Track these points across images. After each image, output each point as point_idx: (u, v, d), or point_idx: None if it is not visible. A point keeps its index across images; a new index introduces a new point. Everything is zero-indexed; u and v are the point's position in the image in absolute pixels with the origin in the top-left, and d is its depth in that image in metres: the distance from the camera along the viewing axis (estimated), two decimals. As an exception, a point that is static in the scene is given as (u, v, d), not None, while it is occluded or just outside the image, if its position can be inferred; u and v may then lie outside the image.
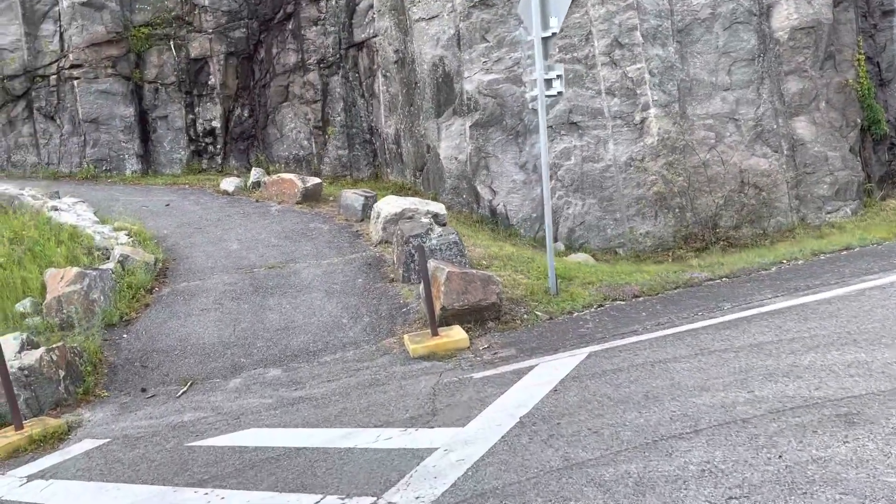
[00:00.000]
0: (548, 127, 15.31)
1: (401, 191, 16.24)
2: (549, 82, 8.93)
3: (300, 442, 5.76)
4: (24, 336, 8.25)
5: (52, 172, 17.04)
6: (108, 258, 10.91)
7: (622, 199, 14.77)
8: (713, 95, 14.66)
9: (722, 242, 14.29)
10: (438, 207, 12.04)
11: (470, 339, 7.89)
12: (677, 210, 14.45)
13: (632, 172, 14.68)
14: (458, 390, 6.39)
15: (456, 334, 7.98)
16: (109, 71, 17.04)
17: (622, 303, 8.59)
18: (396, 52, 16.36)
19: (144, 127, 17.61)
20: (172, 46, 17.52)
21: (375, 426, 5.83)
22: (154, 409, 7.43)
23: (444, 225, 11.49)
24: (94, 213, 13.04)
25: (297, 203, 14.42)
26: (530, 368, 6.64)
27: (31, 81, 16.92)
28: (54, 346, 8.01)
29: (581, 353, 6.84)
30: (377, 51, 17.13)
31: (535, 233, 14.86)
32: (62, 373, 7.78)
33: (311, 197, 14.60)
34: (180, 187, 16.49)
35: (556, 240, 15.11)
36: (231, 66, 17.80)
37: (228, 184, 15.65)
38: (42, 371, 7.57)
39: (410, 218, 11.56)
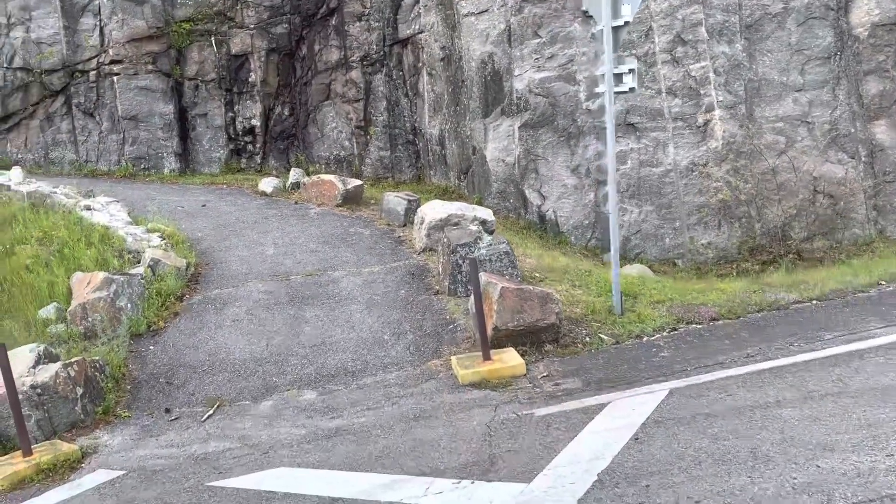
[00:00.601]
0: (602, 128, 14.30)
1: (444, 194, 15.37)
2: (618, 77, 7.94)
3: (336, 490, 4.90)
4: (42, 348, 7.54)
5: (90, 170, 16.54)
6: (139, 262, 10.23)
7: (682, 206, 13.68)
8: (784, 96, 13.48)
9: (792, 255, 13.10)
10: (486, 213, 11.12)
11: (526, 365, 6.96)
12: (743, 220, 13.30)
13: (693, 178, 13.58)
14: (517, 431, 5.46)
15: (510, 359, 7.05)
16: (149, 67, 16.48)
17: (699, 327, 7.56)
18: (443, 48, 15.48)
19: (183, 125, 17.03)
20: (213, 42, 16.90)
21: (423, 474, 4.93)
22: (177, 434, 6.65)
23: (492, 232, 10.57)
24: (128, 214, 12.41)
25: (337, 206, 13.63)
26: (601, 407, 5.68)
27: (70, 77, 16.45)
28: (73, 360, 7.28)
29: (660, 390, 5.85)
30: (422, 48, 16.27)
31: (586, 241, 13.85)
32: (80, 390, 7.05)
33: (351, 199, 13.81)
34: (218, 187, 15.83)
35: (609, 249, 14.07)
36: (272, 62, 17.12)
37: (267, 184, 14.94)
38: (57, 389, 6.84)
39: (456, 224, 10.67)
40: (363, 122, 16.89)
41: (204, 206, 14.01)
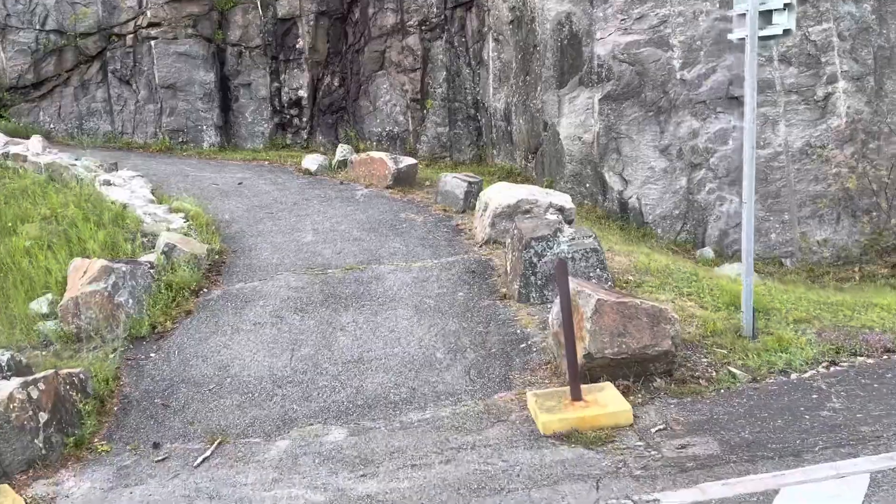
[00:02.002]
0: (700, 102, 12.05)
1: (508, 176, 13.34)
2: (765, 16, 5.77)
3: None
4: (7, 356, 5.88)
5: (125, 142, 15.06)
6: (154, 247, 8.56)
7: (793, 196, 11.35)
8: (924, 66, 10.96)
9: (930, 258, 10.66)
10: (564, 199, 9.07)
11: (633, 410, 4.97)
12: (872, 213, 10.90)
13: (808, 163, 11.23)
14: (639, 534, 3.50)
15: (610, 400, 5.06)
16: (189, 31, 14.85)
17: (869, 361, 5.42)
18: (512, 9, 13.38)
19: (225, 95, 15.39)
20: (259, 4, 15.16)
21: None
22: (159, 485, 4.90)
23: (571, 223, 8.53)
24: (153, 191, 10.78)
25: (388, 187, 11.76)
26: (766, 499, 3.65)
27: (107, 41, 14.94)
28: (41, 375, 5.60)
29: (853, 473, 3.80)
30: (488, 10, 14.19)
31: (675, 234, 11.67)
32: (44, 417, 5.35)
33: (403, 180, 11.92)
34: (259, 164, 14.15)
35: (703, 244, 11.88)
36: (322, 27, 15.30)
37: (311, 162, 13.17)
38: (9, 417, 5.16)
39: (528, 212, 8.66)
40: (420, 95, 14.96)
41: (240, 184, 12.32)
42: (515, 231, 7.37)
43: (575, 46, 12.11)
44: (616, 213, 11.86)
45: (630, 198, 11.85)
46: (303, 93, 15.46)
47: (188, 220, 9.59)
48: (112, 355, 6.62)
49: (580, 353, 5.31)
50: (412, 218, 10.16)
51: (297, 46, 15.42)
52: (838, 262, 11.08)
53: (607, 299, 5.38)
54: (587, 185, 12.19)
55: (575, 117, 12.20)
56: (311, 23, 15.21)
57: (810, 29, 11.06)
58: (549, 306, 6.75)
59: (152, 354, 6.79)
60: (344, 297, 7.65)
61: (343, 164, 13.03)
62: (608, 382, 5.31)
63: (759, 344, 5.78)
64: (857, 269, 10.88)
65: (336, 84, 15.66)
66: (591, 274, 7.03)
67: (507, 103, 13.92)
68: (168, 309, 7.43)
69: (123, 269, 7.37)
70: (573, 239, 7.21)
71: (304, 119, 15.62)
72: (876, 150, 11.00)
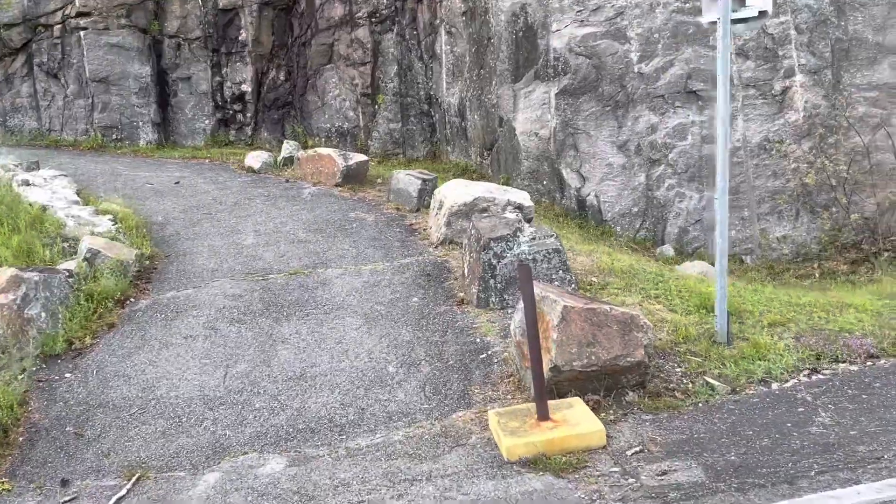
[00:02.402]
0: (658, 96, 11.70)
1: (464, 173, 12.80)
2: (741, -2, 5.31)
3: None
4: None
5: (53, 140, 14.01)
6: (77, 252, 7.74)
7: (752, 192, 11.08)
8: (879, 60, 10.78)
9: (889, 254, 10.48)
10: (522, 197, 8.55)
11: (605, 429, 4.45)
12: (832, 209, 10.69)
13: (767, 158, 10.96)
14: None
15: (580, 419, 4.52)
16: (123, 21, 13.88)
17: (852, 368, 5.01)
18: (465, 0, 12.83)
19: (163, 90, 14.46)
20: (198, -6, 14.30)
21: None
22: (64, 532, 4.19)
23: (529, 221, 8.01)
24: (78, 192, 9.90)
25: (337, 185, 11.09)
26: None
27: (32, 32, 13.87)
28: (-73, 404, 4.82)
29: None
30: (440, 1, 13.61)
31: (634, 232, 11.29)
32: (-71, 454, 4.59)
33: (353, 178, 11.25)
34: (199, 162, 13.30)
35: (662, 241, 11.52)
36: (266, 18, 14.50)
37: (254, 159, 12.40)
38: None
39: (485, 211, 8.11)
40: (370, 90, 14.29)
41: (178, 183, 11.47)
42: (473, 231, 6.80)
43: (530, 39, 11.63)
44: (574, 210, 11.42)
45: (588, 195, 11.43)
46: (246, 87, 14.65)
47: (117, 223, 8.77)
48: (20, 377, 5.83)
49: (546, 365, 4.76)
50: (363, 217, 9.52)
51: (240, 38, 14.60)
52: (797, 258, 10.84)
53: (574, 305, 4.84)
54: (544, 182, 11.72)
55: (531, 112, 11.72)
56: (255, 14, 14.41)
57: (768, 22, 10.76)
58: (509, 311, 6.22)
59: (67, 375, 6.01)
60: (287, 304, 6.97)
61: (289, 161, 12.30)
62: (577, 398, 4.78)
63: (736, 351, 5.33)
64: (816, 265, 10.65)
65: (282, 78, 14.89)
66: (554, 276, 6.51)
67: (461, 98, 13.37)
68: (88, 322, 6.65)
69: (36, 278, 6.56)
70: (534, 239, 6.68)
71: (248, 115, 14.81)
72: (834, 145, 10.79)
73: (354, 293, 7.11)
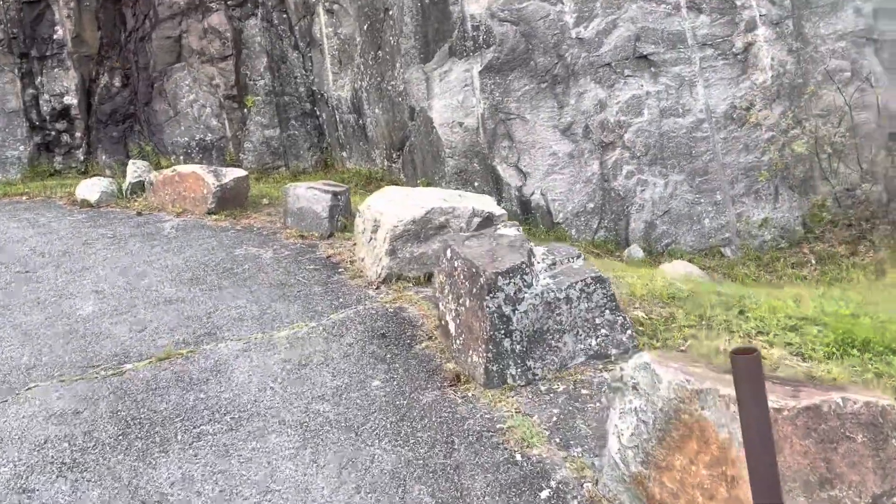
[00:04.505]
0: (603, 65, 9.54)
1: (368, 183, 10.13)
2: None
3: None
4: None
5: None
6: None
7: (723, 171, 9.16)
8: (841, 5, 9.21)
9: (885, 226, 8.89)
10: (486, 203, 6.02)
11: None
12: (812, 181, 8.97)
13: (735, 129, 9.09)
14: None
15: None
16: None
17: None
18: (349, -33, 10.15)
19: (-47, 110, 10.69)
20: (-12, -19, 10.66)
21: None
22: None
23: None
24: None
25: (210, 213, 8.05)
26: None
27: None
28: None
29: None
30: (315, -27, 10.85)
31: (593, 233, 9.09)
32: None
33: (231, 201, 8.26)
34: (12, 200, 9.70)
35: (627, 241, 9.38)
36: (87, 10, 11.07)
37: (90, 189, 9.05)
38: None
39: (443, 227, 5.50)
40: (236, 91, 11.25)
41: (-24, 232, 7.98)
42: (460, 264, 4.15)
43: (439, 6, 9.13)
44: (518, 215, 9.00)
45: (532, 194, 9.08)
46: (71, 99, 11.14)
47: None
48: None
49: (732, 534, 2.24)
50: (256, 254, 6.60)
51: (56, 37, 11.07)
52: (782, 244, 9.04)
53: (783, 404, 2.35)
54: (476, 183, 9.25)
55: (451, 98, 9.22)
56: (72, 5, 10.94)
57: (719, -33, 8.92)
58: (543, 389, 3.67)
59: None
60: (159, 422, 4.01)
61: (139, 187, 9.05)
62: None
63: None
64: (806, 250, 8.90)
65: (118, 84, 11.49)
66: (598, 320, 4.02)
67: (354, 91, 10.64)
68: None
69: None
70: (553, 265, 4.14)
71: (78, 134, 11.29)
72: (805, 107, 9.09)
73: (273, 384, 4.26)
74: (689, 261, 8.69)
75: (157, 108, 11.36)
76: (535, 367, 3.86)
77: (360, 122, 10.58)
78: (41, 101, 11.10)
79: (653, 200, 9.02)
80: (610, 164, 9.04)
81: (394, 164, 10.19)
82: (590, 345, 3.94)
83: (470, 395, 3.84)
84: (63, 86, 11.08)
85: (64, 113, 11.12)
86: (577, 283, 3.95)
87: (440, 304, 4.42)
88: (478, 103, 9.05)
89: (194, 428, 3.89)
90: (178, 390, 4.31)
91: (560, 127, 9.07)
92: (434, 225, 5.46)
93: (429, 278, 5.46)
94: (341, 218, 7.08)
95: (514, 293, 3.86)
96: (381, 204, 5.70)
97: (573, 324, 3.89)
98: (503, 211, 5.87)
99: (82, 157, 11.25)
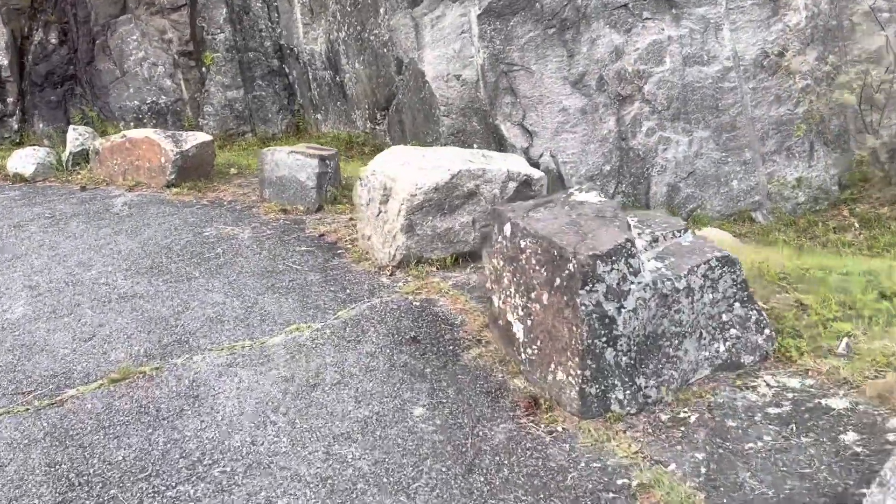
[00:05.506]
0: (619, 7, 8.32)
1: (349, 147, 8.85)
2: None
3: None
4: None
5: None
6: None
7: (752, 126, 8.11)
8: (876, -61, 8.15)
9: (930, 185, 7.97)
10: (519, 164, 4.81)
11: None
12: (849, 134, 7.98)
13: (766, 79, 8.00)
14: None
15: None
16: None
17: None
18: None
19: None
20: None
21: None
22: None
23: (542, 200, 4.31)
24: None
25: (169, 185, 6.67)
26: None
27: None
28: None
29: None
30: None
31: (610, 197, 7.94)
32: None
33: (194, 171, 6.88)
34: (-70, 176, 8.14)
35: (648, 207, 8.30)
36: (12, -48, 9.39)
37: (23, 161, 7.54)
38: None
39: (472, 195, 4.30)
40: (192, 46, 9.74)
41: None
42: (530, 244, 2.96)
43: (431, -61, 7.79)
44: (525, 179, 7.83)
45: (541, 156, 7.89)
46: (0, 59, 9.51)
47: None
48: None
49: None
50: (231, 234, 5.30)
51: (-25, -15, 9.37)
52: (817, 206, 8.06)
53: None
54: (475, 145, 8.02)
55: (445, 47, 7.94)
56: (-8, -55, 9.24)
57: None
58: (661, 416, 2.55)
59: None
60: (115, 482, 2.76)
61: (82, 157, 7.59)
62: None
63: None
64: (846, 212, 7.94)
65: (54, 41, 9.86)
66: (726, 317, 2.89)
67: (329, 43, 9.24)
68: None
69: None
70: (655, 241, 2.98)
71: (10, 100, 9.68)
72: (841, 52, 8.05)
73: (274, 415, 3.05)
74: (721, 228, 7.66)
75: (101, 68, 9.78)
76: (647, 387, 2.72)
77: (338, 78, 9.21)
78: (-38, 61, 9.43)
79: (676, 160, 7.94)
80: (628, 120, 7.90)
81: (378, 126, 8.89)
82: (717, 351, 2.82)
83: (559, 429, 2.69)
84: (-12, 43, 9.43)
85: (-10, 74, 9.47)
86: (698, 266, 2.80)
87: (495, 297, 3.23)
88: (477, 53, 7.79)
89: (167, 490, 2.67)
90: (142, 428, 3.06)
91: (570, 79, 7.88)
92: (462, 192, 4.25)
93: (457, 260, 4.27)
94: (331, 187, 5.82)
95: (618, 284, 2.69)
96: (391, 167, 4.45)
97: (695, 323, 2.76)
98: (542, 173, 4.69)
99: (16, 126, 9.65)
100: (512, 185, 4.35)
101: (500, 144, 7.91)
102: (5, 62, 9.43)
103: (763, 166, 8.07)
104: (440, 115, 7.93)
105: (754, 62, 7.90)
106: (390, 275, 4.27)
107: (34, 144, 8.90)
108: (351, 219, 5.19)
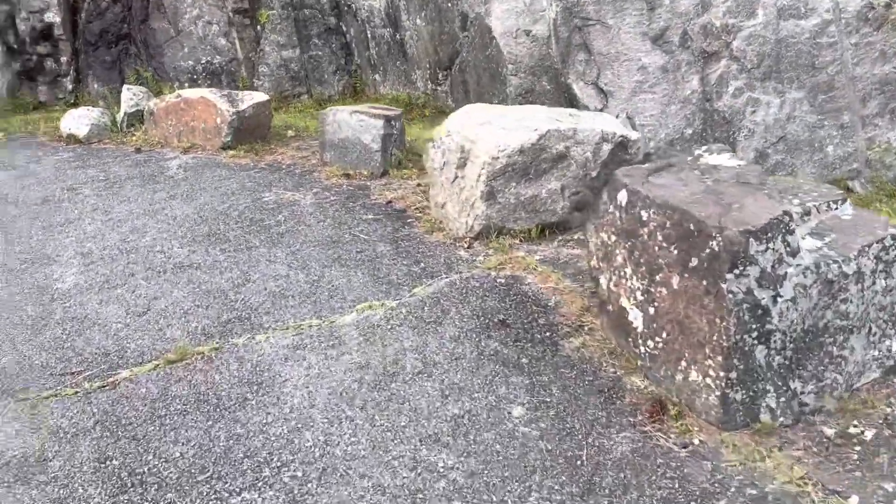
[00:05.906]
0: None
1: (409, 111, 8.31)
2: None
3: None
4: None
5: None
6: None
7: (852, 86, 7.30)
8: None
9: None
10: (614, 124, 4.25)
11: None
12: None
13: (870, 33, 7.17)
14: None
15: None
16: None
17: None
18: None
19: (-87, 31, 8.81)
20: None
21: None
22: None
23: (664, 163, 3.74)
24: None
25: (225, 147, 6.30)
26: None
27: None
28: None
29: None
30: None
31: (690, 165, 7.25)
32: None
33: (251, 133, 6.49)
34: (-12, 137, 7.97)
35: (732, 175, 7.62)
36: None
37: (78, 122, 7.27)
38: None
39: (562, 158, 3.76)
40: (247, 4, 9.30)
41: (-63, 176, 6.26)
42: (655, 216, 2.43)
43: None
44: (598, 144, 7.21)
45: (616, 118, 7.23)
46: (53, 17, 9.23)
47: None
48: None
49: None
50: (292, 199, 4.89)
51: (29, -59, 9.08)
52: (922, 175, 7.27)
53: None
54: (546, 105, 7.41)
55: (514, 1, 7.32)
56: None
57: None
58: (824, 430, 2.03)
59: None
60: (172, 484, 2.39)
61: (137, 118, 7.27)
62: None
63: None
64: (958, 182, 7.13)
65: (109, 0, 9.55)
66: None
67: (389, -2, 8.69)
68: None
69: None
70: (808, 213, 2.43)
71: (64, 59, 9.43)
72: (958, 5, 7.13)
73: (349, 410, 2.63)
74: (812, 198, 6.90)
75: (156, 27, 9.44)
76: (803, 392, 2.19)
77: (398, 36, 8.67)
78: (17, 21, 9.20)
79: (766, 124, 7.20)
80: (713, 79, 7.18)
81: (439, 87, 8.35)
82: (889, 350, 2.27)
83: (695, 441, 2.19)
84: (43, 1, 9.15)
85: (46, 34, 9.22)
86: (869, 246, 2.24)
87: (603, 278, 2.72)
88: (549, 6, 7.14)
89: (231, 497, 2.27)
90: (201, 420, 2.68)
91: (650, 34, 7.17)
92: (550, 155, 3.72)
93: (542, 232, 3.76)
94: (396, 150, 5.34)
95: (773, 267, 2.15)
96: (469, 127, 3.93)
97: (863, 317, 2.20)
98: (638, 134, 4.12)
99: (70, 87, 9.42)
100: (606, 148, 3.81)
101: (572, 105, 7.29)
102: (58, 20, 9.15)
103: (863, 130, 7.28)
104: (507, 75, 7.33)
105: (857, 15, 7.06)
106: (468, 247, 3.80)
107: (88, 105, 8.63)
108: (419, 184, 4.72)
